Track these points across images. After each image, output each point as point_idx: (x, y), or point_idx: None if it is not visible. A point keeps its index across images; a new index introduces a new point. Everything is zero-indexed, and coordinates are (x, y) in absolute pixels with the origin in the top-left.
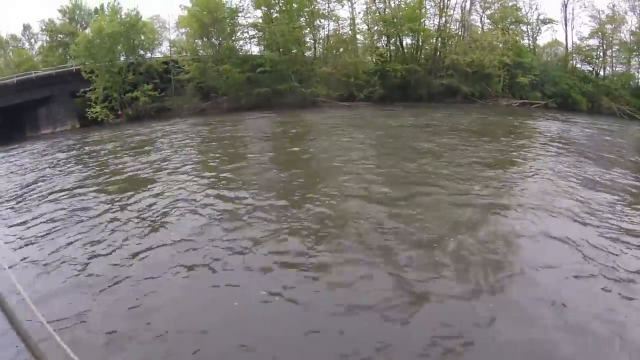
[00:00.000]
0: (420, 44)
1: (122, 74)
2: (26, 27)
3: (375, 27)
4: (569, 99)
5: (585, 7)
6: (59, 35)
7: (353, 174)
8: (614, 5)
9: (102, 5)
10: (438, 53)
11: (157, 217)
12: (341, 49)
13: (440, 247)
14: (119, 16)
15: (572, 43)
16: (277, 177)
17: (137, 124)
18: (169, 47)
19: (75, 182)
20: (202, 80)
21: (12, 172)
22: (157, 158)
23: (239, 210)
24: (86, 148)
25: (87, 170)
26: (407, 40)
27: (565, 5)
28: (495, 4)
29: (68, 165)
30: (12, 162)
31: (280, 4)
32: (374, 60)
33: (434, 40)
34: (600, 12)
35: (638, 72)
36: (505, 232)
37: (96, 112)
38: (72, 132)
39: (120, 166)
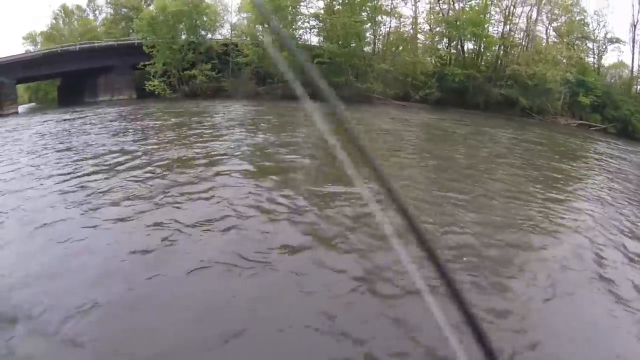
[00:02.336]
0: (482, 50)
1: (182, 52)
2: None
3: (437, 28)
4: (629, 125)
5: None
6: (123, 9)
7: None
8: None
9: None
10: (499, 61)
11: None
12: (400, 47)
13: None
14: None
15: (638, 67)
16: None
17: (192, 101)
18: (229, 30)
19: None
20: (260, 66)
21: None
22: (202, 135)
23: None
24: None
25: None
26: (468, 45)
27: (634, 26)
28: (562, 17)
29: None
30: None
31: None
32: (433, 61)
33: (496, 48)
34: None
35: None
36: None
37: (154, 86)
38: (128, 101)
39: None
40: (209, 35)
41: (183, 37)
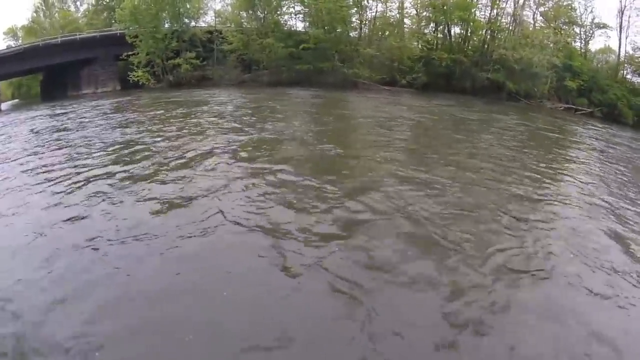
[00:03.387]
0: (469, 34)
1: (166, 41)
2: None
3: (424, 13)
4: (615, 110)
5: None
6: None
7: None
8: None
9: None
10: (486, 46)
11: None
12: (387, 32)
13: None
14: None
15: (625, 52)
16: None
17: (177, 90)
18: (213, 17)
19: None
20: (245, 53)
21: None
22: (185, 123)
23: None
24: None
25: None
26: (455, 29)
27: (621, 12)
28: (550, 1)
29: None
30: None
31: None
32: (420, 46)
33: (483, 32)
34: None
35: None
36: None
37: (138, 76)
38: (112, 93)
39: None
40: (193, 23)
41: (166, 25)
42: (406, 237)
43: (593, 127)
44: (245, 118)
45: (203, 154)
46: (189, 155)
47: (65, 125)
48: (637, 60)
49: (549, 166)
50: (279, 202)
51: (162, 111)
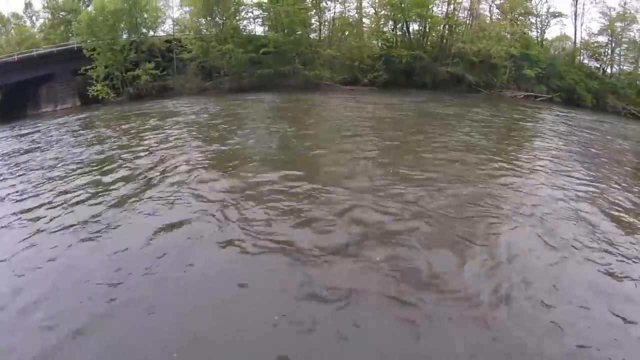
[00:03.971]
0: (427, 30)
1: (124, 52)
2: (28, 5)
3: (382, 11)
4: (574, 94)
5: (596, 3)
6: (61, 13)
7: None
8: (625, 3)
9: None
10: (445, 41)
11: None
12: (346, 32)
13: None
14: None
15: (581, 39)
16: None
17: (137, 103)
18: (172, 26)
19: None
20: (205, 60)
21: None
22: (149, 137)
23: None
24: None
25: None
26: (414, 26)
27: (576, 0)
28: None
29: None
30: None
31: None
32: (380, 44)
33: (441, 28)
34: (611, 10)
35: None
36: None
37: (97, 91)
38: (73, 110)
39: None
40: (151, 33)
41: (124, 36)
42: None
43: (553, 112)
44: (211, 129)
45: (179, 171)
46: (167, 172)
47: (33, 146)
48: (592, 46)
49: (517, 149)
50: (294, 225)
51: (126, 127)
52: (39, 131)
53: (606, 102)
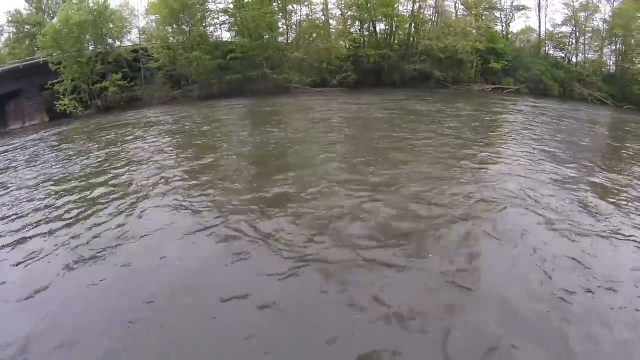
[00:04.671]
0: (394, 29)
1: (91, 64)
2: None
3: (349, 13)
4: (541, 84)
5: None
6: (26, 26)
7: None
8: None
9: None
10: (411, 39)
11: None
12: (314, 35)
13: None
14: (86, 4)
15: (545, 30)
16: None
17: (106, 115)
18: (138, 35)
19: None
20: (173, 68)
21: None
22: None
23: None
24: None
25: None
26: (380, 26)
27: None
28: None
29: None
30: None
31: None
32: (347, 45)
33: (408, 26)
34: (574, 0)
35: (610, 60)
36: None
37: (65, 105)
38: (41, 126)
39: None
40: (118, 43)
41: (91, 48)
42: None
43: (524, 103)
44: (183, 139)
45: (162, 188)
46: (152, 188)
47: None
48: (557, 36)
49: (487, 137)
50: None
51: (98, 142)
52: (7, 152)
53: (573, 90)
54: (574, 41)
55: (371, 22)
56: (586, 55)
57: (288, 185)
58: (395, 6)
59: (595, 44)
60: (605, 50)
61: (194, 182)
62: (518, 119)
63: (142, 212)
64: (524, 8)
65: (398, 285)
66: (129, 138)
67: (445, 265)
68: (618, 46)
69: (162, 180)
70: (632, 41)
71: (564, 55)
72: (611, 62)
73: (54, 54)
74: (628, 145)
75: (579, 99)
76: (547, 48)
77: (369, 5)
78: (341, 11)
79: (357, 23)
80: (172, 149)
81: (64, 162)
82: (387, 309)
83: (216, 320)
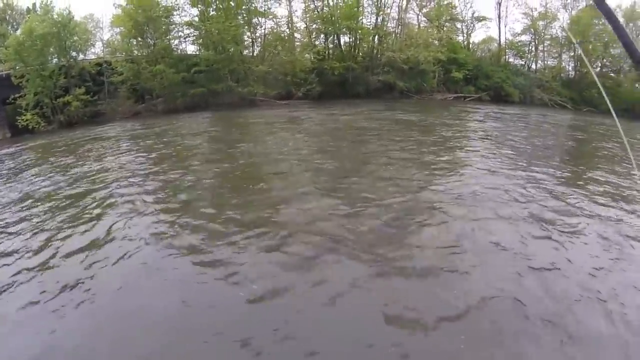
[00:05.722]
0: (358, 42)
1: (54, 78)
2: None
3: (314, 25)
4: (501, 91)
5: (518, 4)
6: None
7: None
8: (546, 3)
9: (34, 5)
10: (375, 51)
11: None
12: (279, 48)
13: None
14: (50, 16)
15: (505, 39)
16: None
17: (68, 131)
18: (102, 48)
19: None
20: (136, 82)
21: None
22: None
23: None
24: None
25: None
26: (344, 39)
27: (499, 3)
28: (431, 3)
29: None
30: None
31: (217, 2)
32: (312, 58)
33: (371, 38)
34: (533, 10)
35: (569, 65)
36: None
37: (27, 120)
38: (3, 142)
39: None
40: (81, 56)
41: (54, 61)
42: None
43: (485, 109)
44: (146, 155)
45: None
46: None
47: None
48: (516, 45)
49: (451, 143)
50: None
51: (62, 160)
52: None
53: (533, 96)
54: (533, 49)
55: (335, 35)
56: (545, 62)
57: (252, 205)
58: (359, 19)
59: (554, 50)
60: (563, 57)
61: (158, 202)
62: (480, 125)
63: (105, 242)
64: (484, 19)
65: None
66: (91, 155)
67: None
68: (576, 52)
69: (126, 199)
70: (590, 47)
71: (523, 63)
72: (570, 68)
73: (17, 67)
74: (586, 143)
75: (539, 103)
76: (507, 56)
77: (333, 18)
78: (306, 24)
79: (322, 36)
80: (135, 165)
81: (23, 183)
82: None
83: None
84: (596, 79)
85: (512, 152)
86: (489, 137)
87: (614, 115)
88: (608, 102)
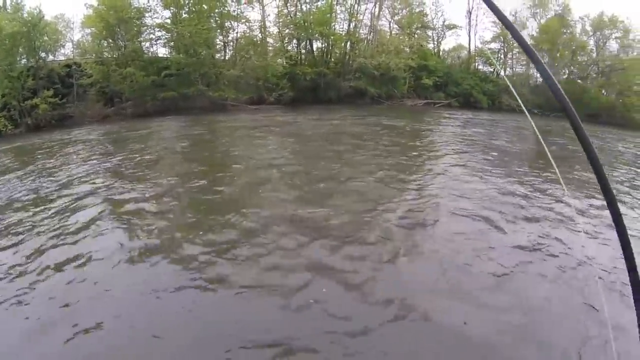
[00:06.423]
0: (330, 47)
1: (22, 79)
2: None
3: (286, 30)
4: (470, 97)
5: (488, 13)
6: None
7: None
8: (516, 12)
9: (4, 2)
10: (347, 56)
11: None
12: (251, 52)
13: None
14: (20, 14)
15: (475, 47)
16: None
17: (36, 135)
18: (72, 49)
19: None
20: (106, 85)
21: None
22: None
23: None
24: None
25: None
26: (317, 44)
27: (469, 12)
28: (403, 10)
29: None
30: None
31: (190, 5)
32: (284, 63)
33: (344, 45)
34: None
35: (536, 72)
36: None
37: None
38: None
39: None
40: (51, 57)
41: (23, 62)
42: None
43: (452, 115)
44: (115, 161)
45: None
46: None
47: None
48: (486, 53)
49: (423, 148)
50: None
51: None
52: None
53: (501, 102)
54: (502, 56)
55: (308, 40)
56: (514, 69)
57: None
58: (332, 25)
59: (523, 58)
60: (531, 64)
61: (127, 208)
62: (451, 130)
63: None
64: (455, 27)
65: None
66: (58, 162)
67: None
68: (545, 59)
69: (96, 207)
70: (558, 54)
71: (492, 70)
72: (538, 75)
73: None
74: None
75: (507, 109)
76: (476, 63)
77: (306, 23)
78: (278, 29)
79: (294, 41)
80: (105, 172)
81: None
82: None
83: None
84: (509, 84)
85: (482, 155)
86: (461, 142)
87: (528, 116)
88: (521, 103)
